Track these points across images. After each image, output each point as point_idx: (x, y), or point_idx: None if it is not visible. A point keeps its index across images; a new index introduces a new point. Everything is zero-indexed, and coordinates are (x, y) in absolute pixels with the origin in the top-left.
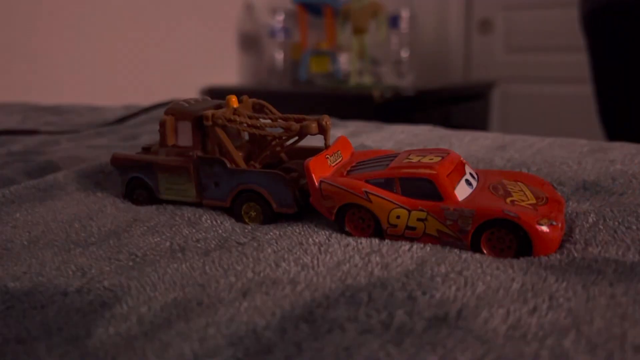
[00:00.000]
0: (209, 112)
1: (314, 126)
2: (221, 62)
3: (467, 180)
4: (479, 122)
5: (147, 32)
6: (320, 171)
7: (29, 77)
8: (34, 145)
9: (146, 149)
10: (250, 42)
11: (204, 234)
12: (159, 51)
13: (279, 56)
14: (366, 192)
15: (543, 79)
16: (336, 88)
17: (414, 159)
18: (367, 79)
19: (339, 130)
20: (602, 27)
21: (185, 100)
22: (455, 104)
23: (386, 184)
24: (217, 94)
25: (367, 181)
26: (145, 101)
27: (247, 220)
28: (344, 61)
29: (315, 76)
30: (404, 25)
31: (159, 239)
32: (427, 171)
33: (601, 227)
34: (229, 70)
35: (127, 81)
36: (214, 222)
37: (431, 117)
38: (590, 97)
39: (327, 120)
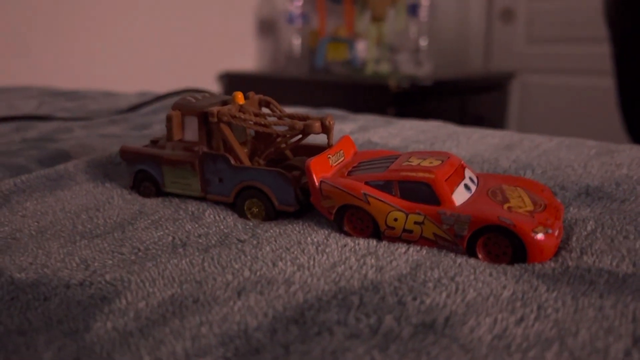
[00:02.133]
0: (215, 109)
1: (317, 125)
2: (239, 48)
3: (465, 185)
4: (497, 113)
5: (166, 16)
6: (321, 171)
7: (47, 61)
8: (47, 132)
9: (154, 142)
10: (268, 28)
11: (206, 229)
12: (177, 36)
13: (297, 42)
14: (365, 194)
15: (564, 70)
16: (353, 76)
17: (414, 162)
18: (384, 68)
19: (348, 124)
20: (625, 17)
21: (193, 96)
22: (474, 94)
23: (385, 186)
24: (234, 79)
25: (366, 183)
26: (163, 86)
27: (249, 216)
28: (362, 49)
29: (332, 63)
30: (423, 13)
31: (162, 233)
32: (426, 175)
33: (598, 235)
34: (246, 56)
35: (145, 66)
36: (217, 218)
37: (449, 107)
38: (612, 89)
39: (330, 119)
